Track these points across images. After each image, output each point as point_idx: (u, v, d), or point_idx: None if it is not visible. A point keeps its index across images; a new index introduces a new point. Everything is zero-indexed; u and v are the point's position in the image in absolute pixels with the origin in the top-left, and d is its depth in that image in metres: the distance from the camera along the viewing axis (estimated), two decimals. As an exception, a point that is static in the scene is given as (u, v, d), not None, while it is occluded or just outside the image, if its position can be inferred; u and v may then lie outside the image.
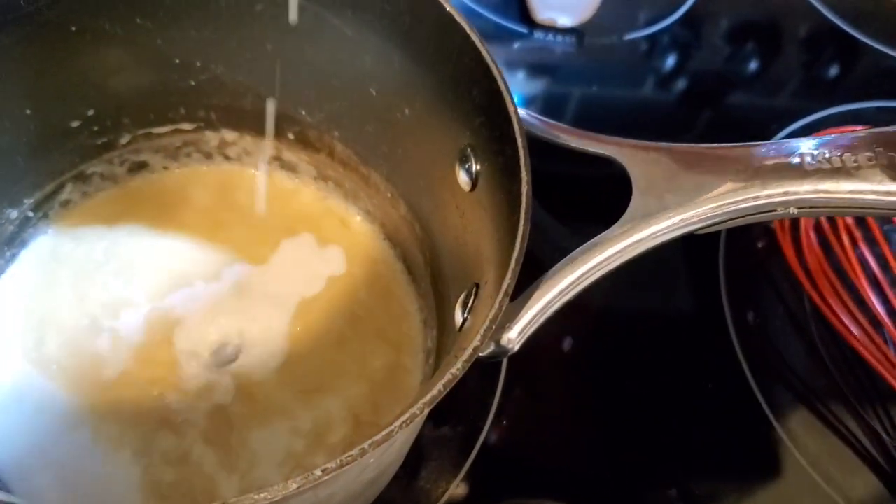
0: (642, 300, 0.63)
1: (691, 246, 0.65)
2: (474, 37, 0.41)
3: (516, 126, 0.39)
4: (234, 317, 0.53)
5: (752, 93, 0.78)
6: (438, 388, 0.33)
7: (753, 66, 0.79)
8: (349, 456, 0.31)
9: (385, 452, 0.40)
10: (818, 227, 0.65)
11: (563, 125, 0.42)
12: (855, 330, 0.61)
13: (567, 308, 0.60)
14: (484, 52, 0.41)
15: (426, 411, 0.33)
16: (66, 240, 0.55)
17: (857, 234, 0.65)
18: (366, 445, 0.31)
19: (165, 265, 0.55)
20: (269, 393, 0.50)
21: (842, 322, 0.61)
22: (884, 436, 0.59)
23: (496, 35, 0.72)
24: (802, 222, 0.65)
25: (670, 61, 0.78)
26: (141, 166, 0.57)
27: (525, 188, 0.38)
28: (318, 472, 0.31)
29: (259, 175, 0.59)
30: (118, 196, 0.57)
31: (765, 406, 0.59)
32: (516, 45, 0.73)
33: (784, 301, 0.65)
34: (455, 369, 0.33)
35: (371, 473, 0.42)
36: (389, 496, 0.51)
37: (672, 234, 0.38)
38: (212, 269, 0.55)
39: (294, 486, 0.30)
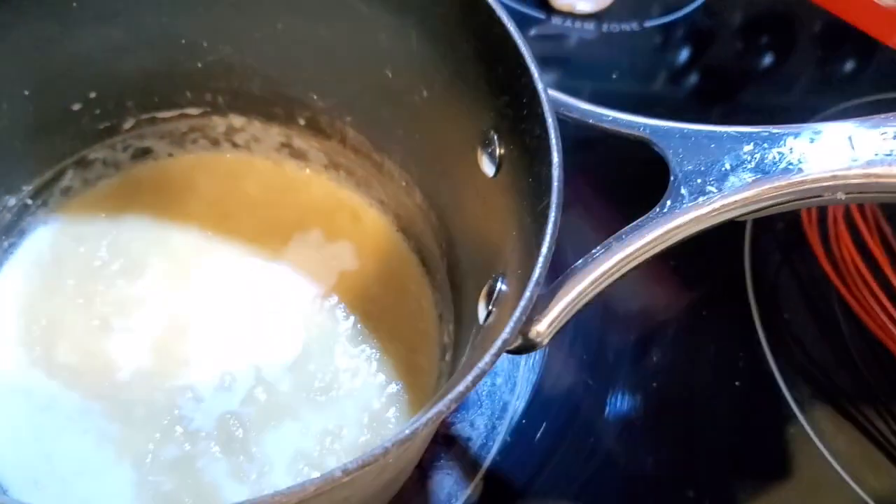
0: (666, 295, 0.61)
1: (716, 239, 0.63)
2: (499, 11, 0.39)
3: (545, 104, 0.37)
4: (245, 316, 0.51)
5: (773, 82, 0.76)
6: (466, 384, 0.30)
7: (773, 55, 0.77)
8: (372, 455, 0.29)
9: (405, 451, 0.38)
10: (847, 219, 0.62)
11: (591, 105, 0.40)
12: (886, 325, 0.58)
13: (589, 304, 0.59)
14: (510, 27, 0.39)
15: (453, 408, 0.30)
16: (67, 239, 0.52)
17: (887, 227, 0.62)
18: (389, 444, 0.29)
19: (173, 261, 0.52)
20: (281, 395, 0.48)
21: (872, 317, 0.59)
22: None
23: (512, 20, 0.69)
24: (830, 215, 0.63)
25: (690, 49, 0.75)
26: (145, 153, 0.55)
27: (556, 171, 0.35)
28: (338, 473, 0.28)
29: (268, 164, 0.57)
30: (121, 184, 0.55)
31: (792, 404, 0.57)
32: (533, 31, 0.71)
33: (812, 296, 0.62)
34: (483, 364, 0.31)
35: (389, 474, 0.40)
36: (404, 497, 0.49)
37: (713, 220, 0.36)
38: (221, 265, 0.53)
39: (312, 487, 0.28)
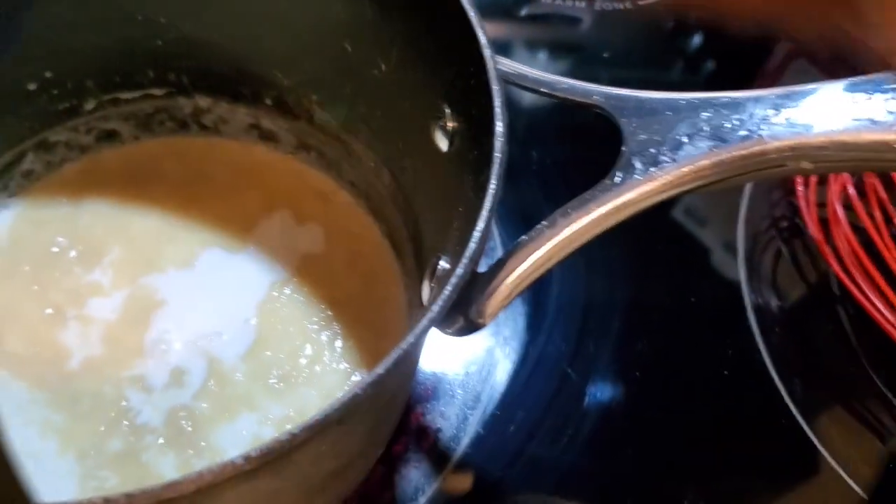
0: (654, 284, 0.59)
1: (707, 222, 0.60)
2: (447, -24, 0.37)
3: (491, 72, 0.35)
4: (204, 303, 0.49)
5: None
6: (386, 367, 0.28)
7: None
8: (273, 443, 0.27)
9: (344, 438, 0.36)
10: (846, 202, 0.59)
11: (544, 73, 0.37)
12: (889, 315, 0.55)
13: (575, 292, 0.56)
14: (457, -8, 0.37)
15: (370, 392, 0.28)
16: (26, 224, 0.51)
17: (891, 208, 0.59)
18: (297, 431, 0.27)
19: (135, 248, 0.51)
20: (239, 385, 0.46)
21: (874, 306, 0.56)
22: (921, 431, 0.54)
23: (498, -2, 0.67)
24: (829, 196, 0.60)
25: (686, 29, 0.72)
26: (110, 135, 0.54)
27: (499, 142, 0.33)
28: (239, 461, 0.26)
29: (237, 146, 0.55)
30: (85, 168, 0.53)
31: (788, 399, 0.54)
32: (523, 11, 0.69)
33: (809, 283, 0.59)
34: (405, 343, 0.29)
35: (332, 464, 0.38)
36: (368, 490, 0.47)
37: (668, 192, 0.33)
38: (184, 252, 0.51)
39: (209, 476, 0.26)
